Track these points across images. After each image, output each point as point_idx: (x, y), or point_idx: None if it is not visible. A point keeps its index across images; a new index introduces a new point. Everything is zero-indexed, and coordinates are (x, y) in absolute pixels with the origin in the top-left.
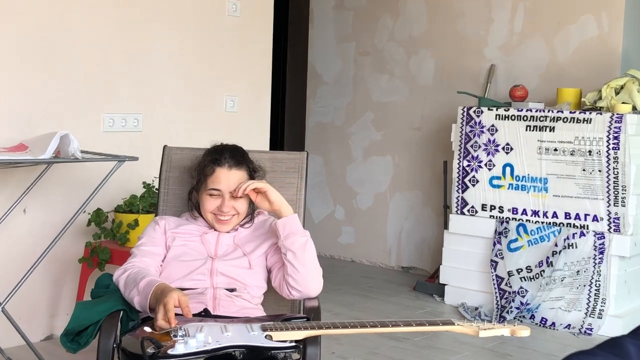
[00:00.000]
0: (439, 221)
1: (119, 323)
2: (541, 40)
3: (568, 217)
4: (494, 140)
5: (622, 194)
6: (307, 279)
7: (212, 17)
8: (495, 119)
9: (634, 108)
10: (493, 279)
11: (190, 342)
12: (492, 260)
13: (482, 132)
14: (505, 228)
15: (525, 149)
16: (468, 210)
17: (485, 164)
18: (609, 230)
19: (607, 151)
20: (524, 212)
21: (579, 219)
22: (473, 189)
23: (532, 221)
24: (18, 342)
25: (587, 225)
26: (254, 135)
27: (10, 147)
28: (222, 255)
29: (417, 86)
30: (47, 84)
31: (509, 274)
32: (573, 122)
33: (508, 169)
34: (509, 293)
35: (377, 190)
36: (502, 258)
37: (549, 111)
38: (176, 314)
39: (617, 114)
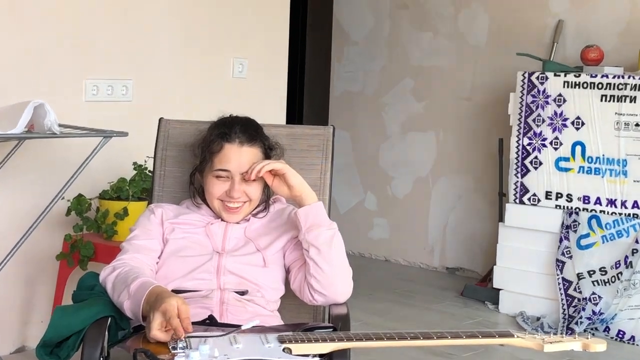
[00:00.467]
0: (492, 212)
1: (107, 332)
2: None
3: None
4: (561, 113)
5: None
6: (333, 281)
7: None
8: (563, 86)
9: None
10: (559, 283)
11: (193, 356)
12: (557, 260)
13: (547, 103)
14: (575, 221)
15: (599, 124)
16: (529, 199)
17: (551, 143)
18: None
19: None
20: (598, 201)
21: None
22: (535, 173)
23: (608, 212)
24: None
25: None
26: (268, 107)
27: None
28: (230, 250)
29: (468, 47)
30: (16, 44)
31: (579, 276)
32: None
33: (578, 149)
34: (579, 300)
35: (417, 175)
36: (571, 257)
37: (629, 77)
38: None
39: None
